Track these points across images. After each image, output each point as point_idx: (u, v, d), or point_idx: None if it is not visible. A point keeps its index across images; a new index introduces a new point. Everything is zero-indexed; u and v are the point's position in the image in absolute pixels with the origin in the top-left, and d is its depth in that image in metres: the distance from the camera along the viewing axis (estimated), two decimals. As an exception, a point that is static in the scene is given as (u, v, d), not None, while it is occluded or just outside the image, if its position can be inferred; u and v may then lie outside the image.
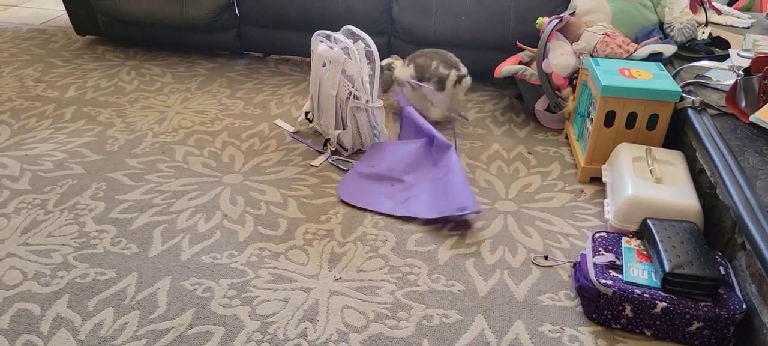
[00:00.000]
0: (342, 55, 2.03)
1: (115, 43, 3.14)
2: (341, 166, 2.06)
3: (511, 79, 2.42)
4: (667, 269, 1.35)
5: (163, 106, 2.47)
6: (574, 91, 2.23)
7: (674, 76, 1.99)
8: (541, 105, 2.34)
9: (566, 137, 2.28)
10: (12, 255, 1.60)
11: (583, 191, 1.95)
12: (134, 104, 2.49)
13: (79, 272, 1.54)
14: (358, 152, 2.16)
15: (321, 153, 2.14)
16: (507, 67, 2.37)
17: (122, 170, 2.00)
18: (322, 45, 2.13)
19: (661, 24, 2.33)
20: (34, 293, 1.47)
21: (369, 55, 2.10)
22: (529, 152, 2.19)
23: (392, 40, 2.80)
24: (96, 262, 1.58)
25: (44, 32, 3.32)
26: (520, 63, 2.42)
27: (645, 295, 1.35)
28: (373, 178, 1.98)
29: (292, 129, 2.31)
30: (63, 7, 3.74)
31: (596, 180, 1.98)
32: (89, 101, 2.51)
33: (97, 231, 1.70)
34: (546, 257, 1.63)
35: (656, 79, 1.89)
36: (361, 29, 2.14)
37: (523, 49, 2.46)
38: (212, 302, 1.46)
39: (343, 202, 1.87)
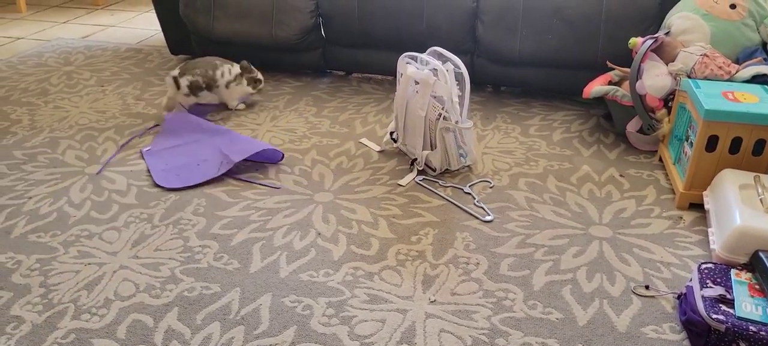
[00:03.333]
0: (432, 76, 2.05)
1: (206, 62, 3.28)
2: (428, 187, 2.08)
3: (598, 99, 2.38)
4: (785, 306, 1.29)
5: (254, 125, 2.57)
6: (669, 113, 2.16)
7: (782, 99, 1.90)
8: (633, 126, 2.28)
9: (660, 160, 2.21)
10: (125, 267, 1.70)
11: (681, 218, 1.88)
12: (227, 122, 2.59)
13: (186, 285, 1.62)
14: (446, 172, 2.17)
15: (409, 172, 2.17)
16: (597, 87, 2.32)
17: (220, 187, 2.09)
18: (410, 66, 2.16)
19: (764, 44, 2.23)
20: (147, 305, 1.56)
21: (458, 76, 2.11)
22: (621, 175, 2.13)
23: (475, 59, 2.80)
24: (201, 276, 1.66)
25: (141, 51, 3.52)
26: (610, 83, 2.37)
27: (761, 332, 1.29)
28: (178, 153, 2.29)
29: (377, 148, 2.35)
30: (156, 27, 3.96)
31: (695, 206, 1.91)
32: (185, 119, 2.63)
33: (200, 246, 1.79)
34: (647, 287, 1.59)
35: (763, 102, 1.81)
36: (443, 48, 2.15)
37: (613, 69, 2.40)
38: (312, 320, 1.50)
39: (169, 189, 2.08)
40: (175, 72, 2.58)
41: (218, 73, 2.61)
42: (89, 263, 1.71)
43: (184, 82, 2.56)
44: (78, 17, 4.35)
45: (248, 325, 1.49)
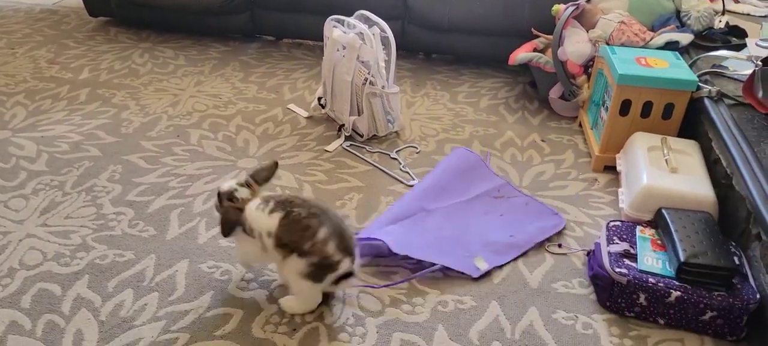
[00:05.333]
0: (358, 40, 2.03)
1: (128, 25, 3.14)
2: (355, 152, 2.07)
3: (524, 66, 2.42)
4: (682, 259, 1.36)
5: (177, 90, 2.48)
6: (589, 79, 2.23)
7: (691, 66, 1.98)
8: (555, 93, 2.33)
9: (580, 126, 2.28)
10: (31, 236, 1.62)
11: (596, 180, 1.95)
12: (148, 87, 2.50)
13: (98, 253, 1.57)
14: (373, 138, 2.17)
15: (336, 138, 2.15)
16: (521, 54, 2.36)
17: (138, 153, 2.02)
18: (336, 30, 2.12)
19: (677, 12, 2.32)
20: (55, 273, 1.49)
21: (384, 41, 2.10)
22: (542, 140, 2.19)
23: (405, 26, 2.79)
24: (114, 244, 1.60)
25: (56, 13, 3.33)
26: (535, 50, 2.41)
27: (659, 284, 1.36)
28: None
29: (305, 114, 2.32)
30: (75, -12, 3.75)
31: (610, 169, 1.98)
32: (103, 83, 2.52)
33: (114, 213, 1.72)
34: (560, 245, 1.64)
35: (673, 68, 1.89)
36: (374, 14, 2.13)
37: (538, 36, 2.45)
38: (230, 285, 1.48)
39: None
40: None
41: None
42: (-7, 233, 1.63)
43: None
44: (-12, -24, 4.06)
45: (163, 291, 1.45)
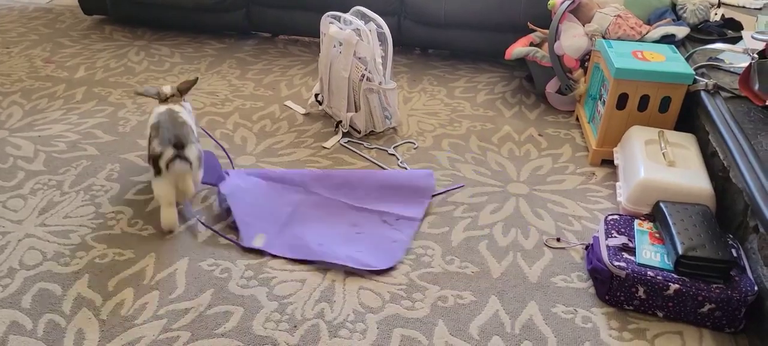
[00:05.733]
0: (354, 36, 2.03)
1: (123, 22, 3.13)
2: (353, 149, 2.07)
3: (521, 61, 2.42)
4: (680, 252, 1.36)
5: (174, 87, 2.47)
6: (585, 73, 2.23)
7: (687, 59, 1.99)
8: (552, 87, 2.34)
9: (577, 119, 2.28)
10: (30, 236, 1.62)
11: (594, 174, 1.96)
12: (144, 85, 2.49)
13: (98, 252, 1.56)
14: (371, 134, 2.17)
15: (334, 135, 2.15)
16: (518, 48, 2.36)
17: (136, 152, 2.02)
18: (333, 26, 2.12)
19: (673, 5, 2.32)
20: (55, 273, 1.49)
21: (381, 37, 2.10)
22: (540, 135, 2.19)
23: (402, 21, 2.79)
24: (114, 243, 1.60)
25: (51, 11, 3.31)
26: (531, 44, 2.41)
27: (658, 277, 1.37)
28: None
29: (302, 111, 2.32)
30: (69, -14, 3.73)
31: (607, 163, 1.99)
32: (99, 82, 2.51)
33: (113, 212, 1.72)
34: (558, 239, 1.65)
35: (669, 61, 1.90)
36: (370, 9, 2.13)
37: (535, 31, 2.45)
38: (230, 283, 1.48)
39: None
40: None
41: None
42: (-9, 233, 1.62)
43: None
44: (-19, -25, 4.03)
45: (163, 289, 1.45)
